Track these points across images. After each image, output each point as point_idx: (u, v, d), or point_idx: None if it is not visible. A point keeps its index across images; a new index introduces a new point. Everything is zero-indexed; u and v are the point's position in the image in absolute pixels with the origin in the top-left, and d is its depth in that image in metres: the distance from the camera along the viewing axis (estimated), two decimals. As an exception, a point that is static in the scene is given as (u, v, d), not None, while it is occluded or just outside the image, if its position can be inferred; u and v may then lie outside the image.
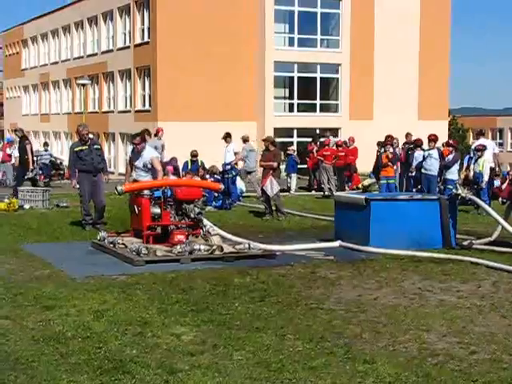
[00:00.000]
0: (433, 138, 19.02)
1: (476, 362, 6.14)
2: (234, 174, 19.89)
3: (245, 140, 22.12)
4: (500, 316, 7.72)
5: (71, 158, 14.79)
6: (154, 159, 13.24)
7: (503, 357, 6.29)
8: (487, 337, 6.90)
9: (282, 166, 25.21)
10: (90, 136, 15.29)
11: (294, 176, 25.86)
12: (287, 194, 23.74)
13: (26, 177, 21.18)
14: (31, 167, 21.47)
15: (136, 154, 13.37)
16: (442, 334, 7.00)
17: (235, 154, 19.90)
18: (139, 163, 13.21)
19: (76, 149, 14.56)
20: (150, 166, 13.14)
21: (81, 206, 14.65)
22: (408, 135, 22.90)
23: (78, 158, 14.46)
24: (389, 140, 20.89)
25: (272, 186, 16.42)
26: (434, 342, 6.71)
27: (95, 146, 14.81)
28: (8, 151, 28.29)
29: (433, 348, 6.53)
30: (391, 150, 20.20)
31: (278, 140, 26.21)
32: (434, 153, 18.78)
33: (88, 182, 14.45)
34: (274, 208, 16.67)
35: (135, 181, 13.16)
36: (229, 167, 19.71)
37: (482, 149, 18.81)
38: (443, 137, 32.02)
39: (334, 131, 38.46)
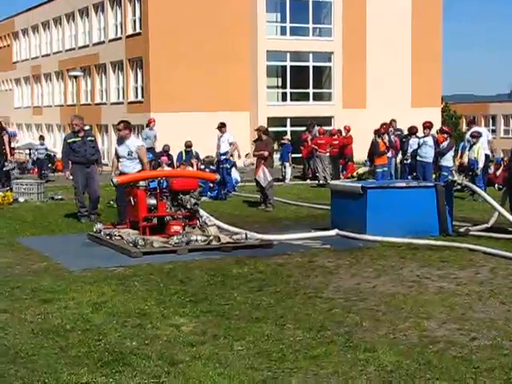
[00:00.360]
0: (428, 125, 19.03)
1: (477, 349, 6.13)
2: (229, 165, 19.82)
3: None
4: (499, 302, 7.71)
5: (64, 149, 14.75)
6: (140, 150, 13.16)
7: (504, 343, 6.28)
8: (487, 323, 6.89)
9: (276, 156, 25.23)
10: (86, 127, 15.21)
11: (288, 165, 25.87)
12: (282, 183, 23.74)
13: (4, 168, 21.10)
14: (9, 158, 21.45)
15: (119, 139, 13.29)
16: (442, 321, 6.98)
17: (230, 144, 19.84)
18: (123, 151, 13.11)
19: (69, 140, 14.51)
20: (135, 154, 13.07)
21: (75, 198, 14.60)
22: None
23: (71, 150, 14.41)
24: (384, 127, 20.90)
25: (265, 176, 16.38)
26: (434, 329, 6.70)
27: (89, 138, 14.73)
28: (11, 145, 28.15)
29: (433, 335, 6.52)
30: (387, 137, 20.22)
31: (272, 129, 26.15)
32: (429, 140, 18.80)
33: (81, 173, 14.39)
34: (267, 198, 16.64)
35: (122, 173, 13.07)
36: (224, 158, 19.65)
37: (477, 135, 18.83)
38: (436, 124, 32.05)
39: (327, 119, 38.49)
